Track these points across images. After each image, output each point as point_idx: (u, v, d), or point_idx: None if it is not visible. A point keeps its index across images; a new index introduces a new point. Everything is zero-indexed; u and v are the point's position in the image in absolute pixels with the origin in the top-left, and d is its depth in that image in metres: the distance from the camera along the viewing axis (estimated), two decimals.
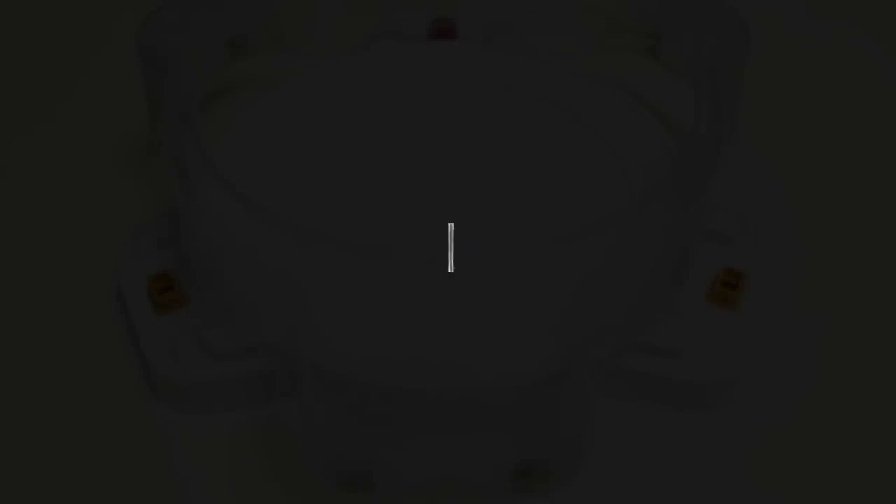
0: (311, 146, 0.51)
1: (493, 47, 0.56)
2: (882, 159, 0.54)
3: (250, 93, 0.56)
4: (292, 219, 0.41)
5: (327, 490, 0.41)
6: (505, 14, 0.55)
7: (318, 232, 0.40)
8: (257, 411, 0.44)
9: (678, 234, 0.43)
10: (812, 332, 0.47)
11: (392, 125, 0.52)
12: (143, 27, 0.50)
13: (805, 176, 0.53)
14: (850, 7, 0.63)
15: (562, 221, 0.47)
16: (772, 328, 0.46)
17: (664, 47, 0.53)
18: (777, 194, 0.52)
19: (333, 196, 0.49)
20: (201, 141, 0.44)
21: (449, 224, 0.47)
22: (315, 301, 0.40)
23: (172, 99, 0.46)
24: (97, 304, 0.47)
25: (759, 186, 0.52)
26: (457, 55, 0.55)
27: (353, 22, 0.55)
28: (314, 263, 0.40)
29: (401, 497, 0.40)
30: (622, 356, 0.43)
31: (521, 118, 0.53)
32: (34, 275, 0.49)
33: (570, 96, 0.53)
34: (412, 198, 0.49)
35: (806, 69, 0.59)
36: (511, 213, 0.47)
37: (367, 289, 0.40)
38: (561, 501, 0.41)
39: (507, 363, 0.38)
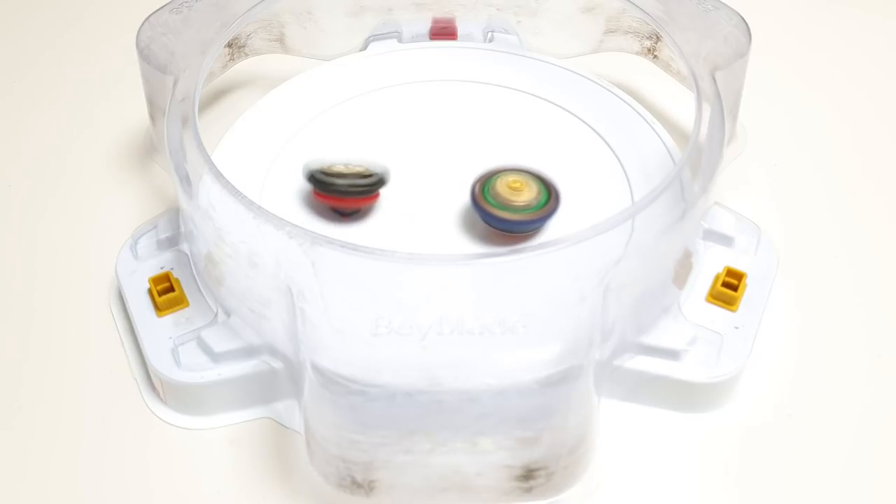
0: (310, 146, 0.51)
1: (492, 47, 0.56)
2: (882, 159, 0.54)
3: (250, 93, 0.56)
4: (292, 219, 0.41)
5: (328, 491, 0.41)
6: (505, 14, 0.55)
7: (318, 232, 0.40)
8: (257, 411, 0.44)
9: (679, 235, 0.43)
10: (812, 332, 0.47)
11: (392, 125, 0.52)
12: (143, 27, 0.50)
13: (805, 176, 0.53)
14: (851, 7, 0.63)
15: (562, 222, 0.47)
16: (772, 328, 0.46)
17: (664, 48, 0.53)
18: (777, 194, 0.52)
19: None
20: (201, 141, 0.44)
21: (448, 225, 0.48)
22: (315, 301, 0.39)
23: (172, 99, 0.46)
24: (97, 304, 0.47)
25: (759, 186, 0.52)
26: (457, 55, 0.55)
27: (353, 22, 0.55)
28: (314, 264, 0.40)
29: (402, 498, 0.40)
30: (624, 357, 0.43)
31: (521, 118, 0.53)
32: (35, 275, 0.49)
33: (571, 96, 0.53)
34: (412, 198, 0.49)
35: (806, 70, 0.59)
36: None
37: (368, 289, 0.40)
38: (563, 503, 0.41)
39: (511, 365, 0.38)
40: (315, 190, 0.47)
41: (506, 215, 0.46)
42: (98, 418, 0.44)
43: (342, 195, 0.47)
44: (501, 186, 0.46)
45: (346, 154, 0.48)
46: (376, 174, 0.47)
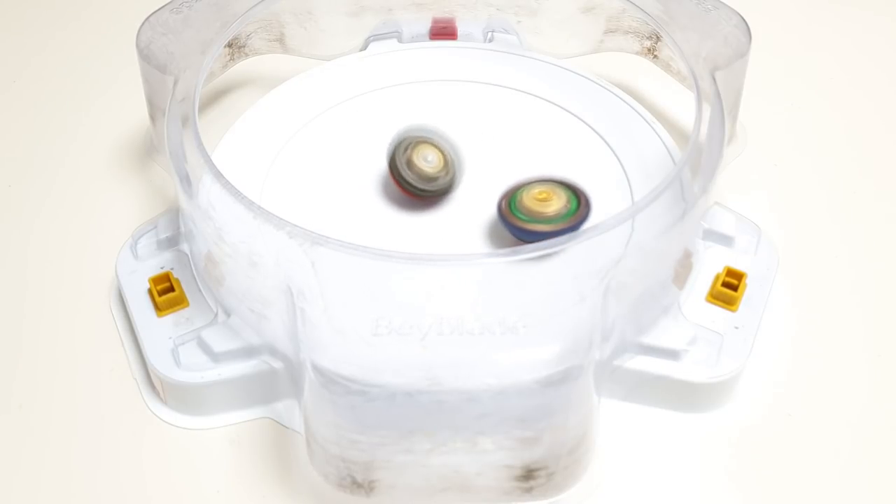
0: (310, 146, 0.51)
1: (493, 47, 0.56)
2: (882, 160, 0.54)
3: (250, 93, 0.56)
4: (292, 219, 0.41)
5: (328, 491, 0.41)
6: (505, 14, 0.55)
7: (318, 232, 0.40)
8: (257, 411, 0.44)
9: (679, 235, 0.43)
10: (811, 332, 0.47)
11: (392, 125, 0.52)
12: (143, 27, 0.50)
13: (805, 176, 0.53)
14: (851, 7, 0.63)
15: None
16: (771, 328, 0.46)
17: (664, 48, 0.53)
18: (777, 194, 0.52)
19: (334, 196, 0.49)
20: (201, 141, 0.44)
21: (449, 225, 0.47)
22: (315, 301, 0.39)
23: (172, 99, 0.46)
24: (97, 304, 0.47)
25: (759, 186, 0.52)
26: (457, 55, 0.55)
27: (353, 22, 0.55)
28: (314, 264, 0.40)
29: (402, 498, 0.40)
30: (624, 357, 0.43)
31: (521, 118, 0.53)
32: (35, 275, 0.49)
33: (571, 96, 0.53)
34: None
35: (806, 70, 0.59)
36: None
37: (368, 289, 0.40)
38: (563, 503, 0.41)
39: (511, 365, 0.38)
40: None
41: (538, 227, 0.44)
42: (98, 418, 0.44)
43: (400, 185, 0.47)
44: (528, 199, 0.45)
45: (447, 133, 0.47)
46: (443, 183, 0.47)
